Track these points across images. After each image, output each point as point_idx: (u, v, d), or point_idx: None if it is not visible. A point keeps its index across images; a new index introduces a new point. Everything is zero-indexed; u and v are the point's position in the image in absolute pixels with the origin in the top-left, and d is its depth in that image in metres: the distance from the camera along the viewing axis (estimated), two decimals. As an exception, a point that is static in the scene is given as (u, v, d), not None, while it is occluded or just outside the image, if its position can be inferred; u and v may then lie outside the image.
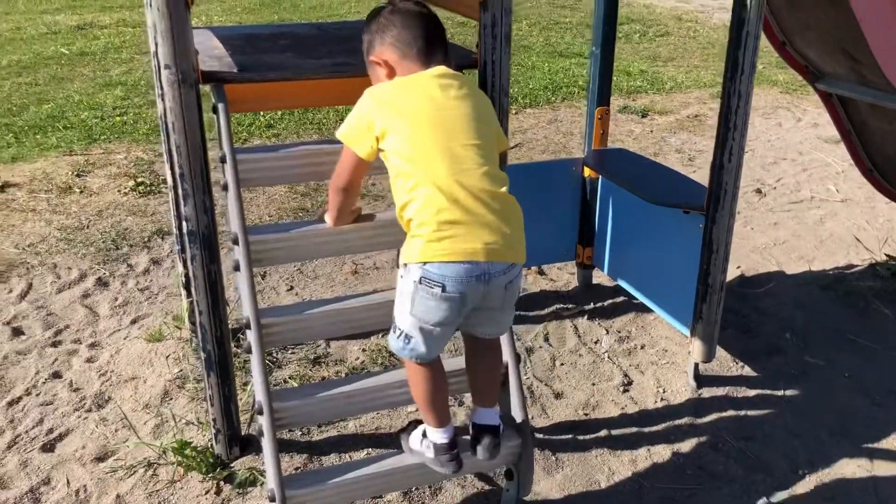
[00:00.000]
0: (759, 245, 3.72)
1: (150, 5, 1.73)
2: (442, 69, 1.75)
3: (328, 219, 1.92)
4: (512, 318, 1.85)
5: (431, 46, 1.77)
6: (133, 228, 3.71)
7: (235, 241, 1.81)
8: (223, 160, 1.83)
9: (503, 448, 1.89)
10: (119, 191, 4.13)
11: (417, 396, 1.81)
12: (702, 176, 3.42)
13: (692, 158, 4.84)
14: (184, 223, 1.92)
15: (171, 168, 1.91)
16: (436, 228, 1.61)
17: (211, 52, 2.13)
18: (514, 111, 5.71)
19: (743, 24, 2.17)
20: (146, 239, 3.61)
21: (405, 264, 1.68)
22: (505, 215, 1.67)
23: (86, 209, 3.91)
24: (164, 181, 3.63)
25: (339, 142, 1.75)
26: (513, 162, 4.49)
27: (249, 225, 1.89)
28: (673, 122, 5.55)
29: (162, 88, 1.82)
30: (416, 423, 1.90)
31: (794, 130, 5.47)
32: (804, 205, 4.24)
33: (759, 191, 4.41)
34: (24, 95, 5.94)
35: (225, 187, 1.84)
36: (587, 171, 3.02)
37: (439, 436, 1.81)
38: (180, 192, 1.87)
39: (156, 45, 1.78)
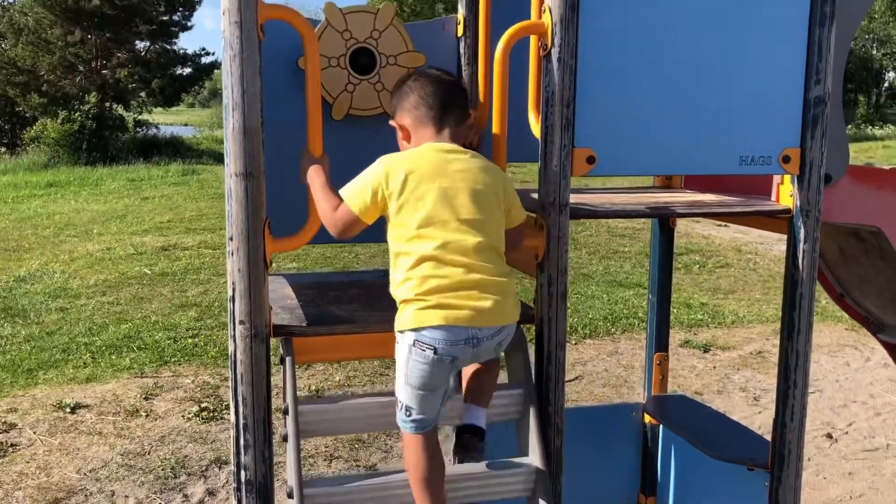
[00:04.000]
0: (833, 497, 3.53)
1: (232, 261, 1.88)
2: (449, 146, 1.90)
3: (309, 181, 1.95)
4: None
5: (446, 113, 1.93)
6: (192, 456, 3.75)
7: (290, 495, 1.82)
8: (286, 412, 1.89)
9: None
10: (183, 416, 4.22)
11: (413, 475, 1.83)
12: (768, 416, 3.34)
13: (757, 398, 4.74)
14: (242, 471, 1.94)
15: (236, 416, 1.97)
16: (427, 296, 1.75)
17: (283, 303, 2.27)
18: (573, 342, 5.76)
19: (797, 286, 2.22)
20: (204, 468, 3.63)
21: (400, 332, 1.80)
22: (496, 284, 1.80)
23: (149, 433, 3.99)
24: (227, 407, 3.71)
25: (393, 393, 1.83)
26: (572, 395, 4.46)
27: (305, 473, 1.91)
28: (736, 359, 5.50)
29: (235, 340, 1.92)
30: None
31: (863, 371, 5.35)
32: (880, 453, 4.05)
33: (829, 435, 4.25)
34: (105, 315, 6.28)
35: (285, 438, 1.88)
36: (647, 418, 2.99)
37: None
38: (241, 441, 1.92)
39: (233, 300, 1.91)
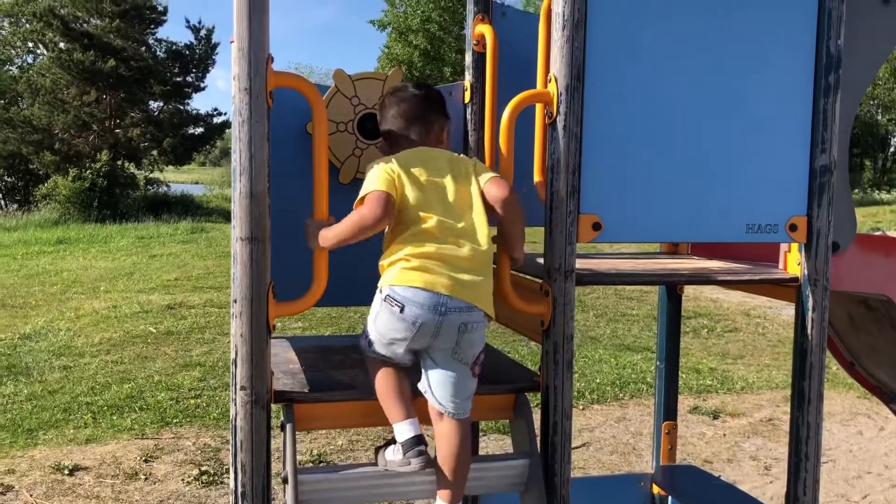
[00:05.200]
0: (849, 573, 3.42)
1: (235, 325, 1.86)
2: (425, 148, 2.10)
3: (321, 239, 1.95)
4: (471, 392, 1.96)
5: (422, 122, 2.15)
6: (190, 521, 3.67)
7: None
8: (285, 481, 1.85)
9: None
10: (183, 479, 4.14)
11: (381, 393, 1.94)
12: (780, 487, 3.26)
13: (768, 467, 4.64)
14: (240, 542, 1.89)
15: (235, 483, 1.93)
16: (411, 258, 1.90)
17: (286, 367, 2.24)
18: (580, 407, 5.68)
19: (806, 355, 2.19)
20: (202, 534, 3.55)
21: (380, 288, 1.94)
22: (475, 266, 1.94)
23: (147, 498, 3.92)
24: (228, 471, 3.64)
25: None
26: (579, 462, 4.37)
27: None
28: (746, 426, 5.40)
29: (236, 405, 1.89)
30: (391, 441, 1.96)
31: (877, 440, 5.24)
32: (896, 526, 3.94)
33: (843, 507, 4.15)
34: (108, 374, 6.24)
35: (284, 507, 1.84)
36: (656, 489, 2.92)
37: (405, 429, 1.90)
38: (240, 511, 1.87)
39: (235, 364, 1.89)
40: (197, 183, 39.98)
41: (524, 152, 2.31)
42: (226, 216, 22.51)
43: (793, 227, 2.17)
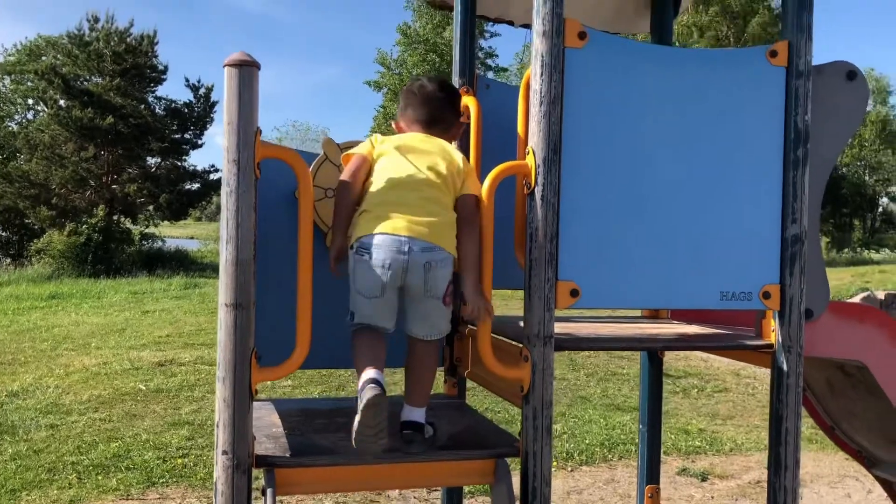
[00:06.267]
0: None
1: (219, 389, 1.90)
2: (423, 135, 2.36)
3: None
4: (445, 319, 2.19)
5: (432, 123, 2.40)
6: (173, 585, 3.63)
7: None
8: (265, 545, 1.86)
9: None
10: (166, 541, 4.11)
11: (358, 359, 2.10)
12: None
13: (757, 531, 4.61)
14: None
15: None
16: (374, 208, 2.14)
17: (269, 430, 2.27)
18: (569, 468, 5.65)
19: (782, 421, 2.22)
20: None
21: (350, 248, 2.16)
22: (432, 216, 2.13)
23: (130, 560, 3.87)
24: (212, 535, 3.62)
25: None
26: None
27: None
28: (735, 489, 5.38)
29: (218, 469, 1.92)
30: None
31: (865, 503, 5.22)
32: (884, 593, 3.91)
33: (832, 573, 4.11)
34: (95, 432, 6.19)
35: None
36: (639, 554, 2.92)
37: (367, 373, 2.03)
38: (219, 576, 1.88)
39: (218, 428, 1.92)
40: (192, 238, 40.11)
41: (506, 218, 2.38)
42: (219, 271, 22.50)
43: (766, 295, 2.23)
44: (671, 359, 9.85)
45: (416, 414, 2.19)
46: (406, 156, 2.25)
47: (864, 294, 14.97)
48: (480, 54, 35.63)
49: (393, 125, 2.52)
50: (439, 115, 2.42)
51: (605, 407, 7.64)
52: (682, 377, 9.20)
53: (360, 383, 2.02)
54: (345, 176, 2.26)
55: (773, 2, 31.98)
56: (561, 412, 7.29)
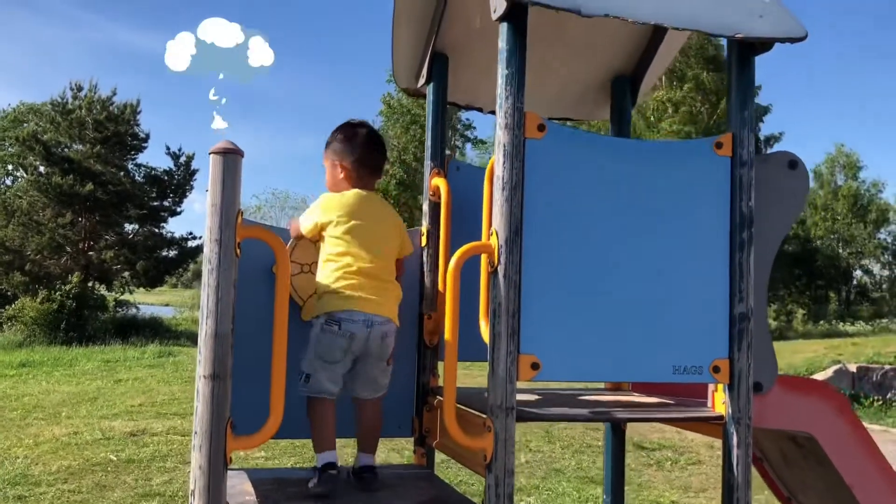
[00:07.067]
0: None
1: (194, 457, 1.98)
2: (366, 193, 2.69)
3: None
4: (387, 382, 2.66)
5: (377, 170, 2.77)
6: None
7: None
8: None
9: None
10: None
11: (314, 426, 2.55)
12: None
13: None
14: None
15: None
16: (341, 290, 2.52)
17: (241, 498, 2.34)
18: (541, 541, 5.66)
19: (733, 491, 2.33)
20: None
21: (315, 317, 2.54)
22: (388, 294, 2.62)
23: None
24: None
25: None
26: None
27: None
28: (704, 561, 5.41)
29: (190, 536, 1.99)
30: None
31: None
32: None
33: None
34: (64, 504, 6.13)
35: None
36: None
37: (325, 457, 2.50)
38: None
39: (193, 496, 2.00)
40: (167, 305, 39.82)
41: (473, 292, 2.51)
42: (194, 340, 22.31)
43: (716, 369, 2.37)
44: (646, 431, 9.91)
45: (370, 459, 2.66)
46: (363, 231, 2.60)
47: (837, 367, 15.11)
48: (459, 126, 36.38)
49: (336, 166, 2.74)
50: (379, 163, 2.81)
51: (578, 479, 7.67)
52: (656, 449, 9.25)
53: (322, 463, 2.50)
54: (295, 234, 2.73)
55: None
56: (535, 485, 7.31)
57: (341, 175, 2.73)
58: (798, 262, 41.56)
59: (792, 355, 17.12)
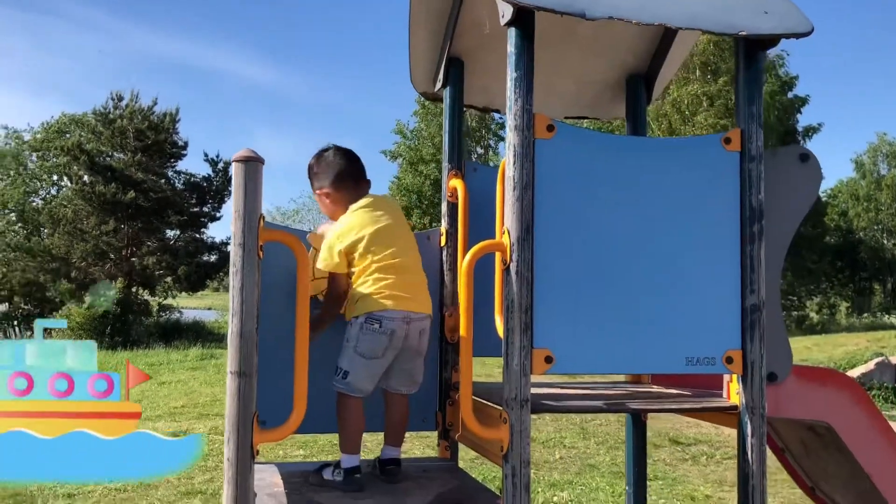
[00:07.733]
0: None
1: (225, 448, 2.09)
2: (366, 200, 2.77)
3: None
4: (421, 378, 2.78)
5: (360, 178, 2.84)
6: None
7: None
8: None
9: None
10: None
11: (344, 425, 2.64)
12: None
13: None
14: None
15: None
16: (379, 291, 2.62)
17: (270, 490, 2.45)
18: (574, 535, 5.71)
19: (748, 479, 2.38)
20: None
21: (355, 317, 2.63)
22: (421, 287, 2.74)
23: None
24: None
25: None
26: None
27: None
28: (738, 554, 5.41)
29: (221, 525, 2.10)
30: (325, 465, 2.72)
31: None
32: None
33: None
34: (111, 502, 6.33)
35: None
36: None
37: (351, 460, 2.62)
38: None
39: (224, 486, 2.11)
40: (210, 308, 40.40)
41: (489, 289, 2.59)
42: (235, 343, 22.60)
43: (729, 360, 2.41)
44: (682, 426, 9.86)
45: (396, 452, 2.78)
46: (383, 233, 2.70)
47: (879, 359, 14.87)
48: (493, 126, 36.36)
49: (322, 196, 2.85)
50: (362, 172, 2.89)
51: (612, 475, 7.67)
52: (692, 444, 9.21)
53: (348, 466, 2.62)
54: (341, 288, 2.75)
55: (780, 70, 32.50)
56: (569, 480, 7.35)
57: (329, 201, 2.85)
58: (840, 254, 40.78)
59: (833, 349, 16.88)
